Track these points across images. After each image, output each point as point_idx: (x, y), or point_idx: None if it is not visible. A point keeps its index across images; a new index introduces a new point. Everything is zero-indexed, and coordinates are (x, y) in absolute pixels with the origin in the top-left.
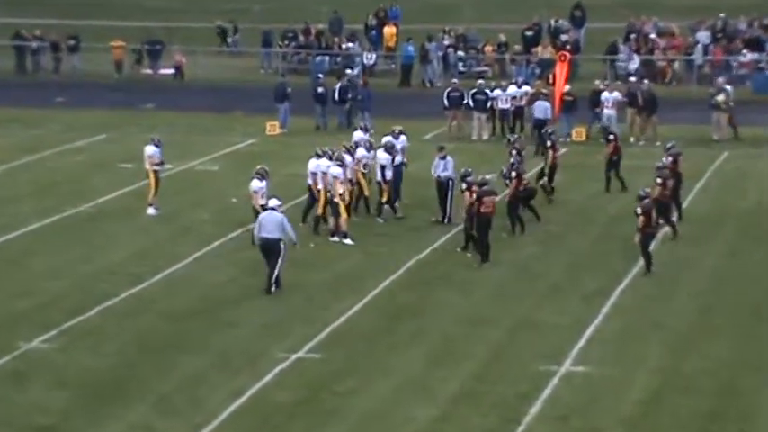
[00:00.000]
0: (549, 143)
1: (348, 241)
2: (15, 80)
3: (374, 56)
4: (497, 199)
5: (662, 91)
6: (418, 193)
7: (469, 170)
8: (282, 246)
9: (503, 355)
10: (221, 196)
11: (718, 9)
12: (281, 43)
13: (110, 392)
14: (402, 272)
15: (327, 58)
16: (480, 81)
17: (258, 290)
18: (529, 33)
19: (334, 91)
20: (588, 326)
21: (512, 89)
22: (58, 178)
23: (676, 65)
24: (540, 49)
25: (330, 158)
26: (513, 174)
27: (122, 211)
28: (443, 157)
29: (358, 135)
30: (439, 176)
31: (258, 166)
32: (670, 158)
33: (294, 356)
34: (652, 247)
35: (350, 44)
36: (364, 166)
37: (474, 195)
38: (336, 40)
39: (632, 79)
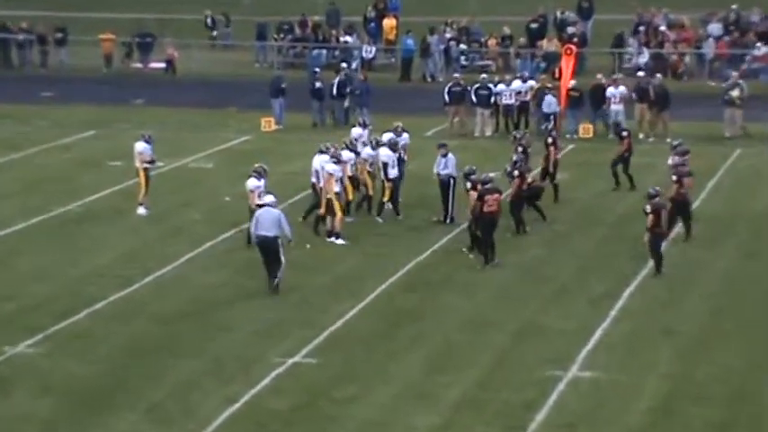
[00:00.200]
0: (549, 140)
1: (341, 241)
2: (0, 75)
3: (373, 49)
4: (501, 198)
5: (672, 86)
6: (419, 191)
7: (473, 168)
8: (280, 243)
9: (507, 360)
10: (214, 195)
11: (730, 0)
12: (276, 36)
13: (98, 400)
14: (402, 274)
15: (325, 51)
16: (483, 75)
17: (253, 292)
18: (534, 26)
19: (332, 86)
20: (595, 330)
21: (516, 84)
22: (44, 176)
23: (687, 58)
24: (545, 42)
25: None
26: (516, 172)
27: (111, 211)
28: (445, 155)
29: (356, 131)
30: (439, 174)
31: (256, 164)
32: (677, 157)
33: (290, 361)
34: (663, 247)
35: (348, 37)
36: (370, 164)
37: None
38: (334, 32)
39: (641, 73)
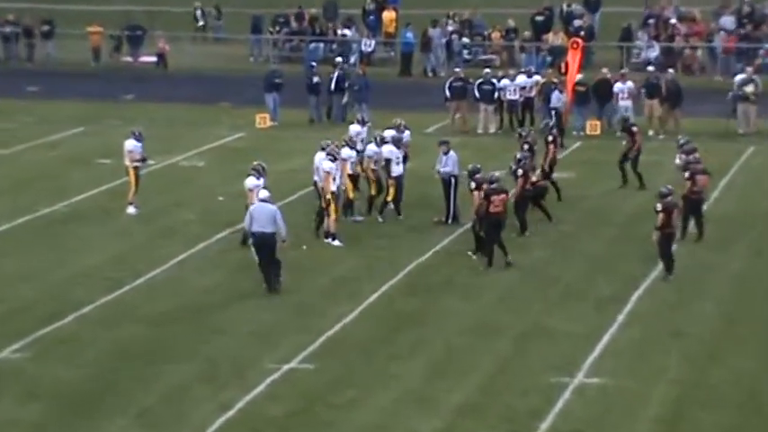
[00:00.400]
0: (550, 138)
1: (337, 243)
2: None
3: (373, 42)
4: (508, 198)
5: (683, 81)
6: (420, 191)
7: (478, 166)
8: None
9: (510, 365)
10: (207, 194)
11: None
12: (271, 29)
13: (86, 405)
14: (402, 276)
15: (322, 45)
16: (487, 70)
17: (248, 295)
18: (539, 18)
19: (331, 80)
20: (603, 335)
21: (521, 79)
22: (30, 175)
23: (698, 52)
24: (551, 35)
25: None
26: (520, 171)
27: (100, 211)
28: (446, 152)
29: (354, 129)
30: (439, 172)
31: (255, 162)
32: (683, 156)
33: (286, 367)
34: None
35: (346, 30)
36: (375, 162)
37: (482, 194)
38: (331, 25)
39: (651, 68)
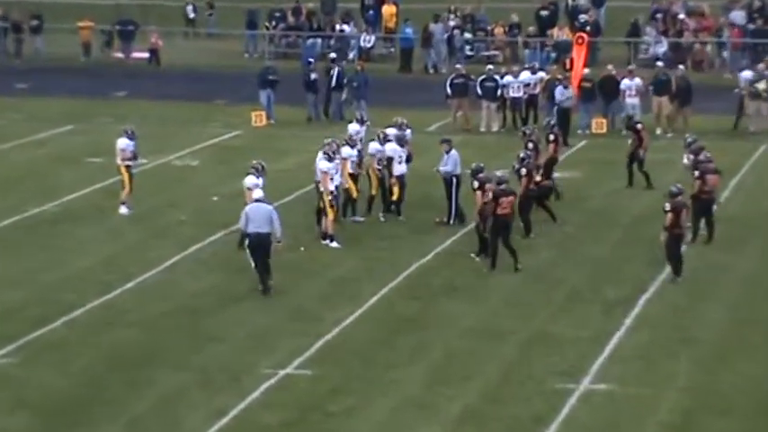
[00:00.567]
0: (552, 137)
1: (335, 244)
2: None
3: (372, 38)
4: (515, 199)
5: (692, 77)
6: (422, 191)
7: (481, 165)
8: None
9: (514, 371)
10: (201, 194)
11: None
12: (267, 24)
13: (76, 413)
14: (403, 278)
15: (320, 40)
16: (490, 66)
17: (243, 298)
18: (544, 13)
19: (330, 77)
20: (610, 339)
21: (524, 75)
22: (18, 174)
23: (708, 48)
24: (555, 30)
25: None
26: (524, 170)
27: (91, 211)
28: (448, 151)
29: (353, 128)
30: (439, 171)
31: (254, 161)
32: (691, 156)
33: (282, 373)
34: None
35: (345, 25)
36: (378, 161)
37: (488, 195)
38: (330, 20)
39: (659, 64)
